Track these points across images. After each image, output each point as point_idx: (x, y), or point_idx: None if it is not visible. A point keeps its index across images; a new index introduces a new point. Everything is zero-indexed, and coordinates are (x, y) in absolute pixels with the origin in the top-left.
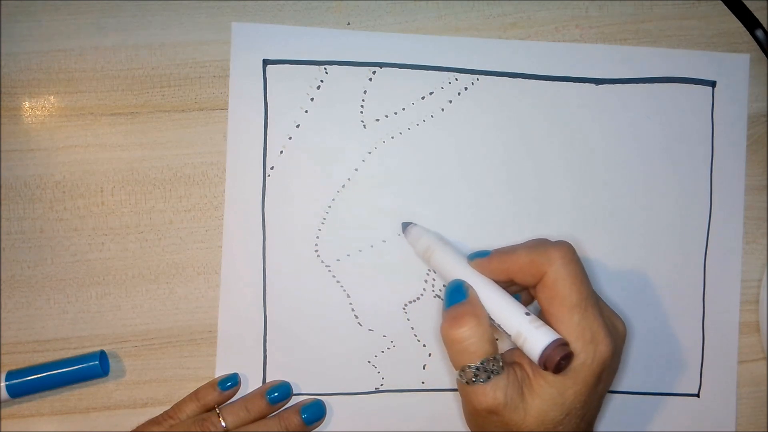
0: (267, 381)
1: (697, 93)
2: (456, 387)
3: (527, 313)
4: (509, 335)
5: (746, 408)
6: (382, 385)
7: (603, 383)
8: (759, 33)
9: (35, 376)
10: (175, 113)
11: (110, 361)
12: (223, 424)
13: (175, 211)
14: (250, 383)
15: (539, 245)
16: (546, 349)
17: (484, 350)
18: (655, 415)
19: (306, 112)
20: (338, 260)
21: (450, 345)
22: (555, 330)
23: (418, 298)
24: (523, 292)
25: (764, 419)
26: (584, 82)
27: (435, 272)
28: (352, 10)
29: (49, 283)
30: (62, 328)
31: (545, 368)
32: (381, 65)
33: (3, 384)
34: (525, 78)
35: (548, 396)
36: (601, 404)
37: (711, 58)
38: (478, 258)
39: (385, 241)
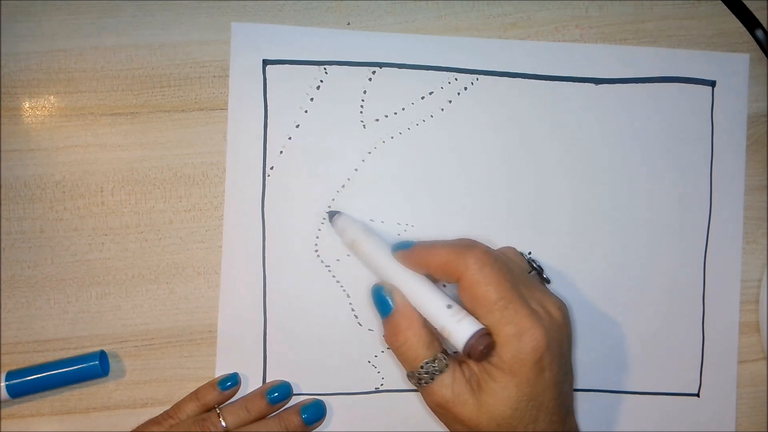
0: (267, 381)
1: (697, 93)
2: None
3: (449, 306)
4: (435, 329)
5: (746, 408)
6: (382, 385)
7: (548, 371)
8: (759, 33)
9: (35, 376)
10: (175, 113)
11: (110, 361)
12: (223, 424)
13: (175, 211)
14: (250, 383)
15: (457, 247)
16: (469, 340)
17: (423, 354)
18: (655, 415)
19: (306, 112)
20: (338, 260)
21: (396, 354)
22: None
23: None
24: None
25: (764, 419)
26: (584, 82)
27: (363, 263)
28: (352, 10)
29: (49, 283)
30: (62, 328)
31: (470, 357)
32: (381, 65)
33: (3, 384)
34: (525, 78)
35: (493, 390)
36: (562, 393)
37: (711, 58)
38: (401, 250)
39: None
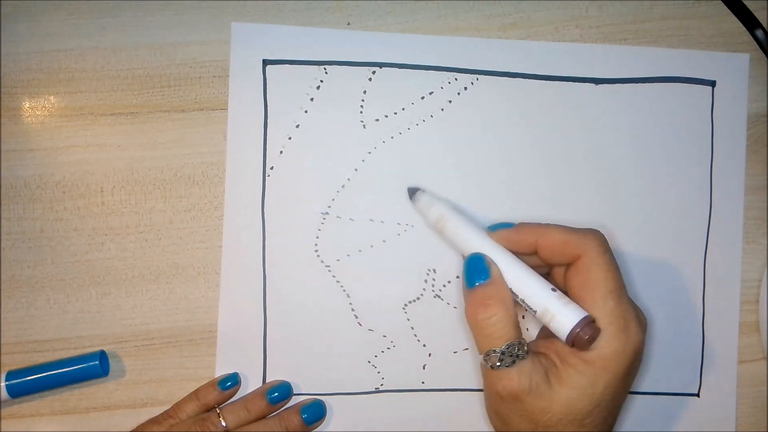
0: (267, 381)
1: (697, 93)
2: (455, 387)
3: (553, 289)
4: (534, 311)
5: (746, 408)
6: (382, 385)
7: (632, 376)
8: (759, 33)
9: (35, 376)
10: (175, 113)
11: (110, 361)
12: (224, 423)
13: (175, 211)
14: (250, 383)
15: (573, 228)
16: (576, 326)
17: (509, 335)
18: (655, 415)
19: (306, 112)
20: (338, 260)
21: (475, 329)
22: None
23: (418, 298)
24: (541, 271)
25: (764, 419)
26: (584, 82)
27: (449, 245)
28: (352, 10)
29: (49, 283)
30: (62, 328)
31: (573, 345)
32: (381, 65)
33: (3, 384)
34: (525, 78)
35: (578, 385)
36: (625, 400)
37: (711, 58)
38: (503, 229)
39: (385, 241)
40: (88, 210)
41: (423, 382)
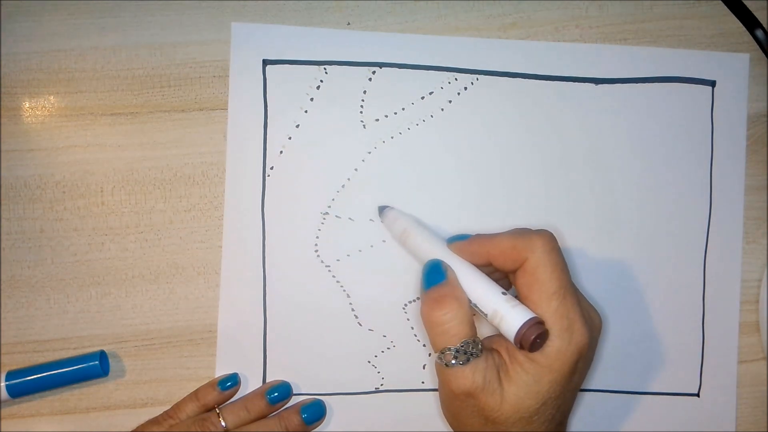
0: (267, 381)
1: (697, 93)
2: None
3: (503, 293)
4: (485, 314)
5: (746, 408)
6: (382, 385)
7: (578, 374)
8: (759, 33)
9: (35, 376)
10: (175, 113)
11: (110, 361)
12: (223, 423)
13: (175, 211)
14: (250, 383)
15: (522, 232)
16: (522, 326)
17: (464, 333)
18: (655, 415)
19: (306, 112)
20: (338, 260)
21: (430, 327)
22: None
23: (418, 298)
24: (500, 279)
25: (764, 419)
26: (584, 82)
27: (412, 257)
28: (352, 10)
29: (49, 283)
30: (62, 328)
31: (521, 346)
32: (381, 65)
33: (3, 384)
34: (525, 78)
35: (524, 383)
36: (575, 398)
37: (711, 58)
38: (458, 241)
39: (385, 241)
40: (88, 210)
41: (423, 382)
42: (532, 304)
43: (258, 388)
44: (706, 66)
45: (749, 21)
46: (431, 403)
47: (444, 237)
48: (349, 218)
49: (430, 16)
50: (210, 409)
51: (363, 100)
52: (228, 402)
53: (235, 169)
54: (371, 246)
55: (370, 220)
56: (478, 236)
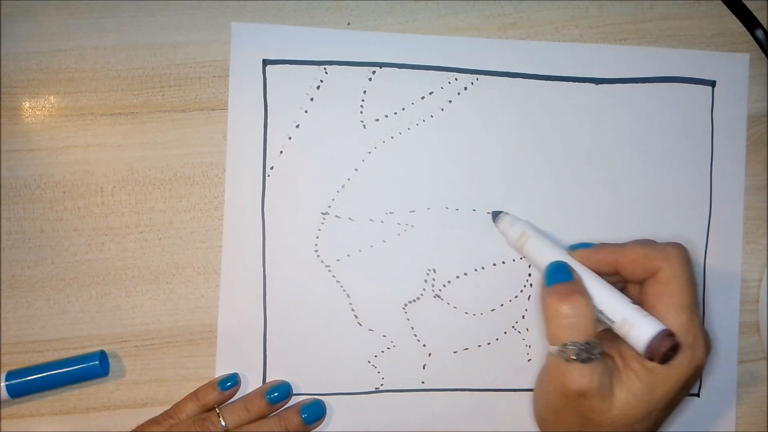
0: (267, 381)
1: (697, 93)
2: (455, 387)
3: (632, 302)
4: (613, 322)
5: (746, 408)
6: (382, 385)
7: (686, 391)
8: (759, 33)
9: (35, 376)
10: (175, 113)
11: (110, 361)
12: (223, 423)
13: (175, 211)
14: (250, 383)
15: (653, 242)
16: (654, 337)
17: (590, 331)
18: None
19: (306, 112)
20: (338, 260)
21: (552, 318)
22: None
23: (418, 298)
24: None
25: (764, 419)
26: (584, 82)
27: (529, 261)
28: (352, 10)
29: (49, 283)
30: (62, 328)
31: (650, 357)
32: (381, 65)
33: (3, 384)
34: (525, 78)
35: (636, 391)
36: (668, 417)
37: (711, 58)
38: (582, 248)
39: (385, 241)
40: (88, 210)
41: (423, 382)
42: (658, 315)
43: (258, 388)
44: (706, 66)
45: (749, 21)
46: (431, 403)
47: (563, 244)
48: (349, 218)
49: (430, 16)
50: (210, 409)
51: (363, 100)
52: (228, 402)
53: (235, 169)
54: (371, 246)
55: (370, 220)
56: (605, 245)
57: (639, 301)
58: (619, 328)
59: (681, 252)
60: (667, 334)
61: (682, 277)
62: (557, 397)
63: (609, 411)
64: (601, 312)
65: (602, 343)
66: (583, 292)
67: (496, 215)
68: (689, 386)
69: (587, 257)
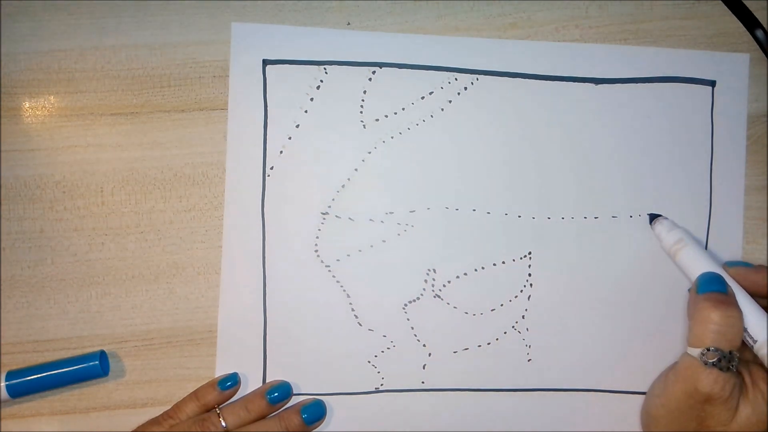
0: (267, 381)
1: (697, 93)
2: (455, 387)
3: None
4: (754, 341)
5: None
6: (382, 385)
7: None
8: (759, 33)
9: (35, 376)
10: (175, 113)
11: (110, 361)
12: (224, 424)
13: (175, 211)
14: (250, 383)
15: None
16: None
17: (737, 343)
18: None
19: (306, 112)
20: (338, 260)
21: (702, 323)
22: None
23: (418, 298)
24: None
25: (764, 419)
26: (584, 82)
27: (680, 268)
28: (352, 10)
29: (49, 283)
30: (62, 328)
31: None
32: (381, 65)
33: (3, 384)
34: (525, 78)
35: (760, 411)
36: None
37: (711, 58)
38: (740, 267)
39: (385, 241)
40: (88, 210)
41: (423, 382)
42: None
43: (258, 388)
44: (706, 66)
45: (749, 21)
46: (431, 403)
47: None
48: (349, 218)
49: (430, 16)
50: (210, 409)
51: (363, 100)
52: (228, 402)
53: (235, 169)
54: (371, 246)
55: (370, 220)
56: (764, 267)
57: None
58: (759, 350)
59: None
60: None
61: None
62: (683, 397)
63: (728, 423)
64: (745, 329)
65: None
66: (736, 304)
67: (653, 218)
68: None
69: (744, 276)
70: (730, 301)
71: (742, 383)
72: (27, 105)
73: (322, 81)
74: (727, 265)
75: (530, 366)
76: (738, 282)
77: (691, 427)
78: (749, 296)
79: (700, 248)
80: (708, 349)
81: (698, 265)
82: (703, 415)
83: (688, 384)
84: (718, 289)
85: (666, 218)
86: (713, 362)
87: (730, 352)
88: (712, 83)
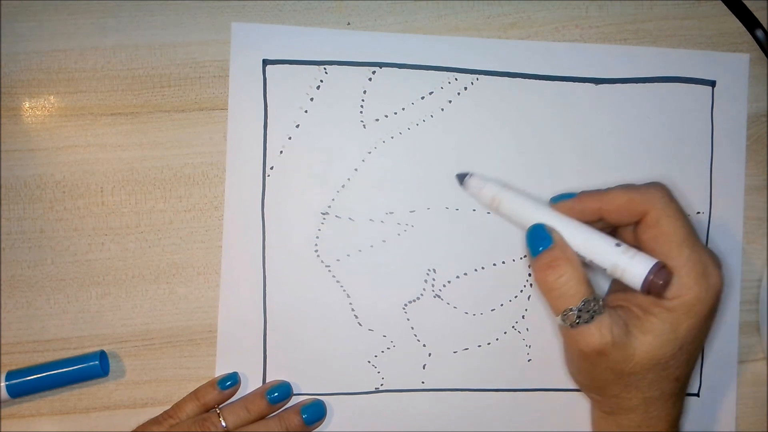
0: (267, 381)
1: (697, 93)
2: (455, 387)
3: (618, 244)
4: (604, 269)
5: (746, 408)
6: (382, 385)
7: (713, 317)
8: (759, 33)
9: (35, 376)
10: (175, 113)
11: (110, 361)
12: (224, 424)
13: (175, 211)
14: (250, 383)
15: (634, 186)
16: (648, 273)
17: (582, 291)
18: None
19: (306, 112)
20: (338, 260)
21: (547, 292)
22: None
23: (418, 298)
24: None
25: (764, 419)
26: (584, 82)
27: (508, 222)
28: (352, 10)
29: (49, 283)
30: (62, 328)
31: (648, 293)
32: (381, 65)
33: (3, 384)
34: (525, 78)
35: (660, 332)
36: (705, 340)
37: (711, 58)
38: (564, 200)
39: (385, 241)
40: (88, 210)
41: (423, 382)
42: (662, 256)
43: (258, 388)
44: (706, 66)
45: (749, 21)
46: (431, 403)
47: (541, 199)
48: (349, 218)
49: (430, 16)
50: (210, 409)
51: (363, 100)
52: (228, 402)
53: (235, 169)
54: (371, 246)
55: (370, 220)
56: (586, 193)
57: (633, 244)
58: (612, 273)
59: (663, 191)
60: (660, 266)
61: (671, 214)
62: (581, 361)
63: (633, 358)
64: (590, 262)
65: (615, 297)
66: (565, 256)
67: (462, 177)
68: (714, 313)
69: (570, 208)
70: (556, 256)
71: (629, 315)
72: (27, 105)
73: (322, 81)
74: (552, 202)
75: (530, 366)
76: (569, 215)
77: (611, 378)
78: (584, 226)
79: (520, 195)
80: (565, 312)
81: (523, 213)
82: (609, 364)
83: (573, 349)
84: (543, 245)
85: (473, 175)
86: (576, 322)
87: (583, 302)
88: (712, 83)
